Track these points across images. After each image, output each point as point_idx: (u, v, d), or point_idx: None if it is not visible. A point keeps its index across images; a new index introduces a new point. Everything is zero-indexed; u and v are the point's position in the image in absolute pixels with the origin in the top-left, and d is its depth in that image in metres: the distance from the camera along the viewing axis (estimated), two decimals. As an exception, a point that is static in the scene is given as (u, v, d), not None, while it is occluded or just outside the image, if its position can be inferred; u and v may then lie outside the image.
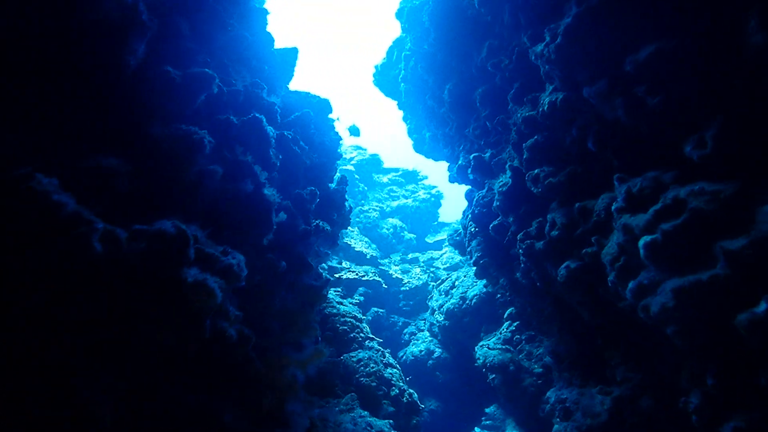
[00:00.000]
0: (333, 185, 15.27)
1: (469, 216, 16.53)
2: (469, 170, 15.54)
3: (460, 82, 17.24)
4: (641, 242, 7.94)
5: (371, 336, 19.48)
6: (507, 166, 12.70)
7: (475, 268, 17.73)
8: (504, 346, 20.90)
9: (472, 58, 15.78)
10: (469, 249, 17.50)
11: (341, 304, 20.46)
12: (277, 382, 9.88)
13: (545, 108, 10.94)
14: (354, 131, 18.68)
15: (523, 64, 12.99)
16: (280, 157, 11.48)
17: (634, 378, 11.26)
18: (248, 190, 9.42)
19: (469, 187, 17.68)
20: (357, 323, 19.39)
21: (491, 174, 15.07)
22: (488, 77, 15.30)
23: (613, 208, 9.31)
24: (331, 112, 15.82)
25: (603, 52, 9.21)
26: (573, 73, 9.94)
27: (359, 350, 18.37)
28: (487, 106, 15.46)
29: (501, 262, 16.40)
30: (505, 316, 22.33)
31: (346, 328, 18.90)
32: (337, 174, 16.07)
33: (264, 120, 10.19)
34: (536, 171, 11.54)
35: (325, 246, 16.82)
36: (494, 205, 14.03)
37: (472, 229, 16.42)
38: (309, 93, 15.84)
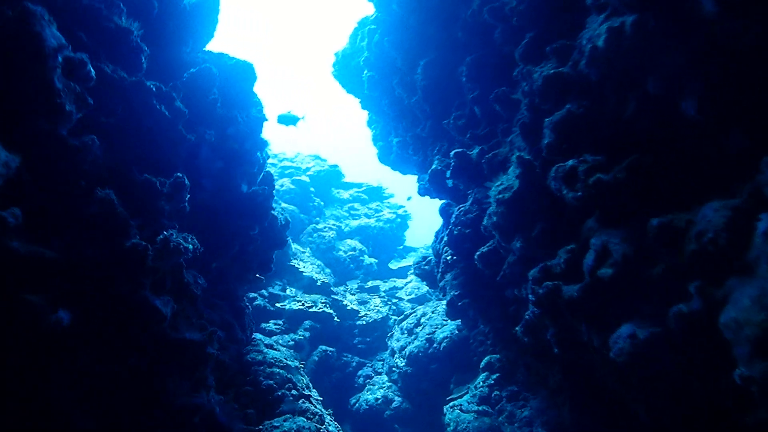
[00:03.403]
0: (247, 188, 9.89)
1: (444, 239, 11.26)
2: (448, 173, 10.35)
3: (440, 56, 12.12)
4: None
5: (307, 393, 13.95)
6: (514, 160, 7.47)
7: (446, 304, 12.44)
8: (481, 407, 15.84)
9: (458, 16, 10.69)
10: (442, 283, 12.21)
11: (271, 347, 14.90)
12: None
13: (598, 47, 5.86)
14: (287, 119, 13.08)
15: (541, 1, 7.98)
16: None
17: None
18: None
19: (444, 201, 12.46)
20: (289, 375, 13.86)
21: (479, 178, 9.88)
22: (481, 40, 10.24)
23: (761, 230, 4.23)
24: (254, 80, 10.52)
25: None
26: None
27: (288, 416, 12.84)
28: (478, 82, 10.35)
29: (487, 306, 11.16)
30: (482, 365, 17.20)
31: (272, 382, 13.34)
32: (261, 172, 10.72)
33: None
34: (570, 163, 6.40)
35: (244, 274, 11.44)
36: (485, 222, 8.83)
37: (448, 257, 11.17)
38: (225, 54, 10.55)
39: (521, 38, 8.21)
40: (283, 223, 12.89)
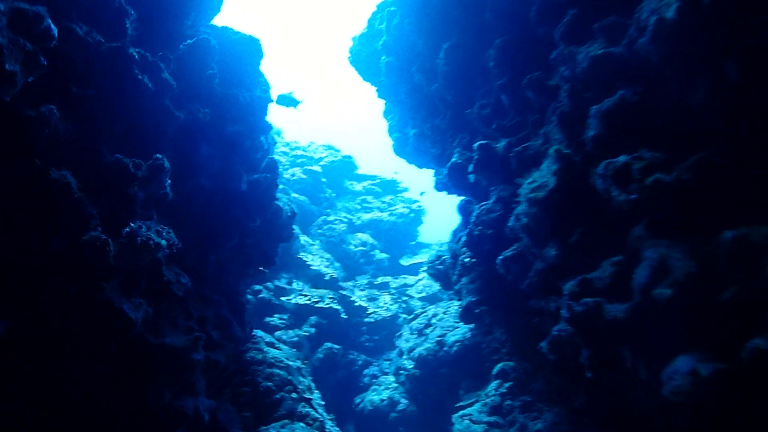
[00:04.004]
0: (247, 175, 8.89)
1: (463, 239, 10.23)
2: (471, 167, 9.31)
3: (464, 40, 11.03)
4: None
5: (308, 396, 13.02)
6: (551, 153, 6.40)
7: (461, 308, 11.41)
8: (492, 418, 14.93)
9: (487, -6, 9.61)
10: (457, 287, 11.19)
11: (272, 346, 13.97)
12: None
13: (666, 20, 4.79)
14: (286, 100, 11.93)
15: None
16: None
17: None
18: None
19: (464, 198, 11.38)
20: (289, 377, 12.93)
21: (505, 174, 8.83)
22: (511, 21, 9.16)
23: None
24: (260, 57, 9.53)
25: None
26: None
27: (286, 421, 11.91)
28: (507, 67, 9.27)
29: (506, 314, 10.15)
30: (495, 372, 16.25)
31: (271, 384, 12.41)
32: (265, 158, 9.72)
33: None
34: (623, 159, 5.35)
35: (248, 269, 10.51)
36: (511, 224, 7.80)
37: (466, 259, 10.14)
38: (229, 28, 9.56)
39: (562, 16, 7.13)
40: (289, 214, 11.91)
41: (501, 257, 8.40)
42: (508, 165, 8.61)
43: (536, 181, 6.66)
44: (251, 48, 9.23)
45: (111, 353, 5.48)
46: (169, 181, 5.99)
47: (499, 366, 16.01)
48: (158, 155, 5.69)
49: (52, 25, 4.67)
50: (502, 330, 12.11)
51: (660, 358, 5.04)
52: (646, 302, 5.04)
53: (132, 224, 5.15)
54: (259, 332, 14.33)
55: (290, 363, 13.28)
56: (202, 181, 7.76)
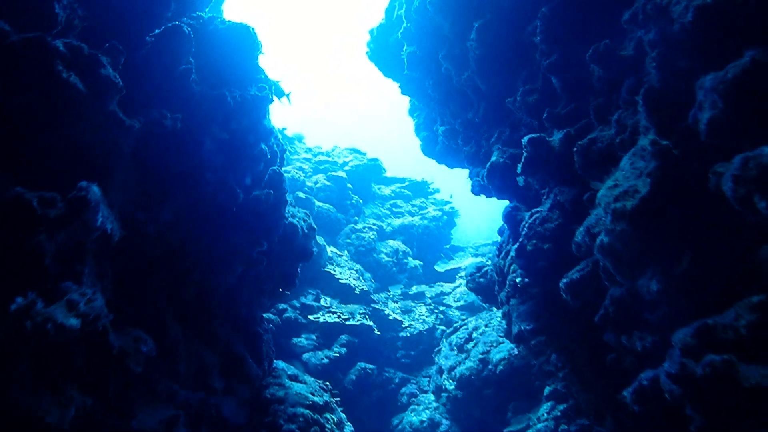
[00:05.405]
0: (244, 193, 7.20)
1: (512, 254, 8.37)
2: (519, 167, 7.46)
3: (499, 16, 9.18)
4: None
5: (339, 437, 11.32)
6: (645, 146, 4.53)
7: (501, 317, 9.56)
8: (546, 445, 13.29)
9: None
10: (506, 308, 9.31)
11: (295, 379, 12.30)
12: None
13: None
14: (282, 93, 10.12)
15: None
16: None
17: None
18: None
19: (511, 204, 9.48)
20: (315, 416, 11.24)
21: (564, 173, 6.99)
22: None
23: None
24: (256, 49, 7.83)
25: None
26: None
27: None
28: (557, 42, 7.42)
29: (568, 343, 8.28)
30: (546, 393, 14.53)
31: (294, 426, 10.74)
32: (269, 165, 8.02)
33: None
34: (771, 150, 3.52)
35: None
36: (579, 240, 5.95)
37: (517, 279, 8.28)
38: (216, 17, 7.90)
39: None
40: (306, 231, 10.24)
41: (566, 281, 6.54)
42: (567, 163, 6.74)
43: (619, 185, 4.80)
44: (243, 39, 7.53)
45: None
46: (106, 214, 4.29)
47: (551, 386, 14.28)
48: (83, 183, 4.02)
49: None
50: (559, 356, 10.25)
51: None
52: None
53: (21, 298, 3.46)
54: (281, 363, 12.69)
55: (316, 399, 11.59)
56: (178, 202, 6.12)
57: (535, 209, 7.74)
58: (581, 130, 6.90)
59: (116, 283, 5.20)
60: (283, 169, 9.70)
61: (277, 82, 9.12)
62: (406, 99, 17.28)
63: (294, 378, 12.29)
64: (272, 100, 8.13)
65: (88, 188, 3.95)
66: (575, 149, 6.24)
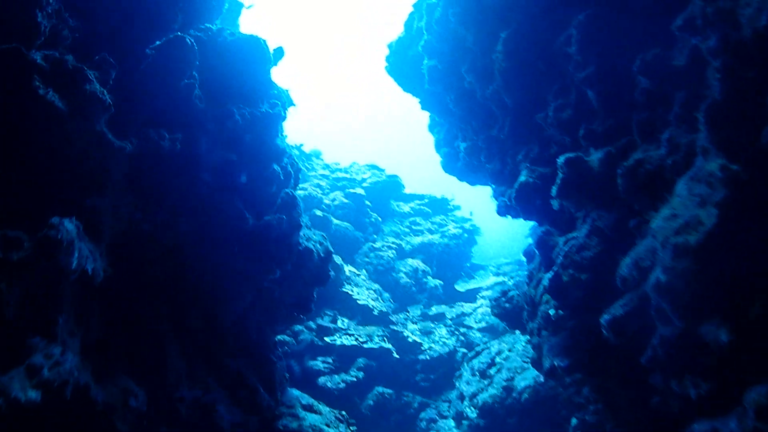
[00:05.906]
0: (254, 218, 6.64)
1: (544, 284, 7.69)
2: (554, 190, 6.80)
3: (526, 26, 8.60)
4: None
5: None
6: (712, 171, 3.88)
7: (544, 373, 8.83)
8: (576, 483, 12.46)
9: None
10: (536, 340, 8.60)
11: (309, 409, 11.65)
12: None
13: None
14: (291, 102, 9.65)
15: None
16: None
17: None
18: None
19: (543, 228, 8.76)
20: (331, 451, 10.61)
21: (603, 197, 6.34)
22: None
23: None
24: (268, 63, 7.33)
25: None
26: None
27: None
28: (594, 53, 6.80)
29: (605, 378, 7.56)
30: (574, 424, 13.63)
31: (308, 463, 10.13)
32: (283, 188, 7.47)
33: None
34: None
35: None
36: (626, 274, 5.27)
37: (551, 311, 7.58)
38: (225, 29, 7.41)
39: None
40: (322, 255, 9.67)
41: (608, 317, 5.84)
42: (607, 185, 6.08)
43: (679, 215, 4.13)
44: (254, 51, 7.03)
45: None
46: (86, 252, 3.73)
47: (579, 416, 13.46)
48: (54, 219, 3.44)
49: None
50: (592, 391, 9.50)
51: None
52: None
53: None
54: (295, 392, 12.06)
55: (331, 431, 10.95)
56: (183, 227, 5.56)
57: (571, 235, 7.08)
58: (623, 149, 6.24)
59: (107, 319, 4.65)
60: (300, 186, 9.23)
61: (287, 90, 8.58)
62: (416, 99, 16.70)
63: (308, 408, 11.65)
64: (285, 117, 7.62)
65: (59, 226, 3.38)
66: (619, 171, 5.59)
